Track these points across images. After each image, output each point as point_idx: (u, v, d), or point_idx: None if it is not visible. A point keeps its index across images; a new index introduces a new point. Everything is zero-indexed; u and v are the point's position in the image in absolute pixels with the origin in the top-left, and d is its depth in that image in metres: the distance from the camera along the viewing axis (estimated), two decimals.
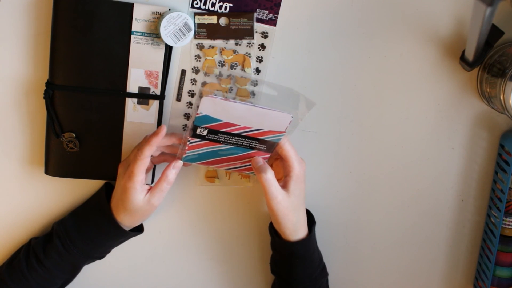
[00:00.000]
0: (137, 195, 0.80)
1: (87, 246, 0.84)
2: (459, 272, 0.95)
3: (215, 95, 0.74)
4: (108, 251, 0.87)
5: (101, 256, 0.87)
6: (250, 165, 0.83)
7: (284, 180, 0.82)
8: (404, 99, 0.88)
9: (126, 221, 0.83)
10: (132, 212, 0.82)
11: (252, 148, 0.81)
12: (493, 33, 0.80)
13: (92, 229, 0.84)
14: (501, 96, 0.79)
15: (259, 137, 0.79)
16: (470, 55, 0.79)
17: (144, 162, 0.79)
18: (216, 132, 0.78)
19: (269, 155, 0.82)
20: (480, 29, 0.68)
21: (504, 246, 0.89)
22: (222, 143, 0.80)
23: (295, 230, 0.83)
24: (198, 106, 0.74)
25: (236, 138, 0.79)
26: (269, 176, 0.79)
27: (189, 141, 0.79)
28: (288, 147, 0.81)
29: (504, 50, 0.83)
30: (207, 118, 0.76)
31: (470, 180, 0.92)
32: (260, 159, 0.82)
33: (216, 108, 0.75)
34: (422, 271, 0.95)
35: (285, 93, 0.84)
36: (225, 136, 0.78)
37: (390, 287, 0.96)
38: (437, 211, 0.93)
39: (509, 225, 0.89)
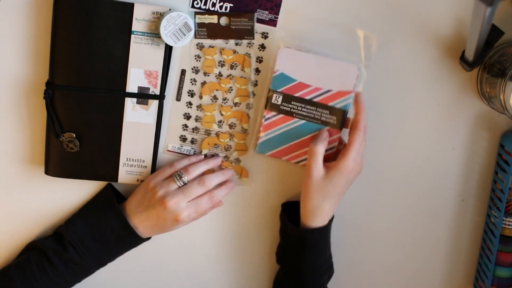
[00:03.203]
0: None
1: (103, 254, 0.85)
2: (459, 272, 0.95)
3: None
4: (121, 254, 0.87)
5: (114, 258, 0.87)
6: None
7: (330, 164, 0.81)
8: (404, 99, 0.88)
9: (145, 232, 0.84)
10: (160, 229, 0.84)
11: (324, 123, 0.83)
12: (493, 33, 0.80)
13: (109, 238, 0.84)
14: (501, 96, 0.79)
15: (329, 103, 0.82)
16: (470, 55, 0.79)
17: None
18: (289, 99, 0.82)
19: (340, 134, 0.84)
20: (480, 29, 0.68)
21: (504, 246, 0.89)
22: (295, 116, 0.83)
23: (312, 214, 0.81)
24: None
25: (308, 107, 0.82)
26: (318, 149, 0.80)
27: (264, 117, 0.83)
28: (357, 136, 0.80)
29: (504, 50, 0.83)
30: (283, 78, 0.83)
31: (470, 180, 0.92)
32: (326, 132, 0.82)
33: (291, 62, 0.82)
34: (422, 271, 0.95)
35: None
36: (298, 105, 0.82)
37: (390, 287, 0.96)
38: (437, 211, 0.93)
39: (509, 225, 0.89)
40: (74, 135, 0.85)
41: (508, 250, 0.90)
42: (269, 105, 0.85)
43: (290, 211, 0.87)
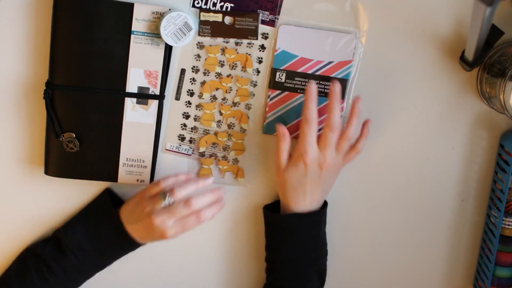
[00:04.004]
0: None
1: (102, 258, 0.85)
2: (459, 272, 0.95)
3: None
4: (118, 259, 0.88)
5: (111, 262, 0.88)
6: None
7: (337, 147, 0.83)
8: (404, 99, 0.88)
9: (139, 239, 0.84)
10: (151, 240, 0.84)
11: (328, 95, 0.84)
12: (493, 33, 0.80)
13: (107, 244, 0.84)
14: (501, 96, 0.79)
15: (331, 75, 0.85)
16: (470, 55, 0.79)
17: None
18: (293, 76, 0.85)
19: (344, 103, 0.86)
20: (480, 29, 0.68)
21: (504, 246, 0.89)
22: (299, 92, 0.85)
23: (303, 199, 0.84)
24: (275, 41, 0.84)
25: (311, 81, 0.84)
26: (283, 146, 0.82)
27: (269, 96, 0.85)
28: (364, 139, 0.85)
29: (504, 50, 0.83)
30: (284, 56, 0.85)
31: (470, 180, 0.92)
32: (285, 129, 0.83)
33: (291, 39, 0.84)
34: (422, 271, 0.95)
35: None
36: (301, 80, 0.84)
37: (390, 287, 0.96)
38: (437, 211, 0.93)
39: (509, 225, 0.89)
40: (74, 135, 0.85)
41: (508, 250, 0.90)
42: (273, 83, 0.86)
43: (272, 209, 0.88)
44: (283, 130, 0.83)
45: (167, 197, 0.80)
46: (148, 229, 0.81)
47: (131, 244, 0.84)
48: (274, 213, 0.86)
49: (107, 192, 0.88)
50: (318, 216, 0.85)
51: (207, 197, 0.81)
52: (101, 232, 0.84)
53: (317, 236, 0.86)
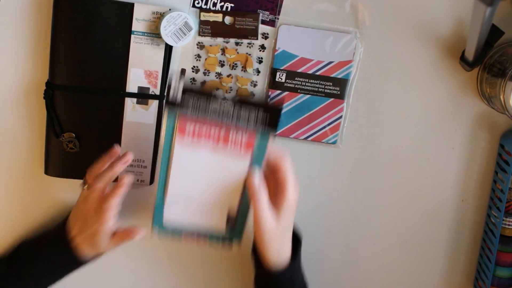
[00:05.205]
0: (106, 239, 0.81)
1: (45, 273, 0.85)
2: (459, 272, 0.95)
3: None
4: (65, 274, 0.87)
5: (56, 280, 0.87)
6: (324, 129, 0.86)
7: (275, 203, 0.76)
8: (404, 99, 0.88)
9: (90, 254, 0.83)
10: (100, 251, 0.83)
11: (328, 95, 0.84)
12: (493, 33, 0.80)
13: (50, 267, 0.84)
14: (501, 96, 0.79)
15: (332, 75, 0.85)
16: (470, 55, 0.79)
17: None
18: (293, 76, 0.85)
19: (344, 104, 0.86)
20: (480, 29, 0.68)
21: (504, 246, 0.90)
22: (300, 92, 0.84)
23: (278, 258, 0.78)
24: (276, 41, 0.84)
25: (312, 81, 0.84)
26: (262, 202, 0.74)
27: (269, 96, 0.85)
28: (287, 173, 0.75)
29: (504, 50, 0.83)
30: (284, 56, 0.85)
31: (470, 180, 0.92)
32: (257, 178, 0.75)
33: (291, 39, 0.84)
34: (422, 271, 0.95)
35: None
36: (302, 80, 0.84)
37: (390, 287, 0.96)
38: (437, 211, 0.93)
39: (509, 225, 0.89)
40: (74, 135, 0.85)
41: (508, 250, 0.90)
42: (273, 83, 0.86)
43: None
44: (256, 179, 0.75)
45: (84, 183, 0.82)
46: (85, 219, 0.81)
47: (79, 263, 0.84)
48: (263, 269, 0.80)
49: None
50: (300, 255, 0.83)
51: (106, 174, 0.80)
52: (47, 248, 0.84)
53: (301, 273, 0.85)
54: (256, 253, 0.81)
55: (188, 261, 0.94)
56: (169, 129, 0.73)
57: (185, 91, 0.71)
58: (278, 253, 0.78)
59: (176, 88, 0.71)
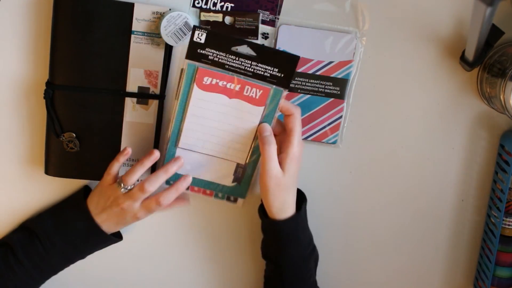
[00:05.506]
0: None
1: (69, 250, 0.84)
2: (459, 272, 0.95)
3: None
4: (89, 253, 0.87)
5: (82, 257, 0.87)
6: (324, 129, 0.87)
7: (280, 157, 0.80)
8: (404, 99, 0.89)
9: (109, 229, 0.84)
10: (124, 225, 0.84)
11: (328, 95, 0.85)
12: (493, 33, 0.80)
13: (75, 236, 0.84)
14: (501, 96, 0.79)
15: (332, 75, 0.85)
16: (470, 55, 0.79)
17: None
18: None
19: (344, 103, 0.86)
20: (480, 29, 0.68)
21: (504, 246, 0.90)
22: (300, 92, 0.85)
23: (282, 209, 0.82)
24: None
25: (312, 81, 0.84)
26: (272, 149, 0.79)
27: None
28: (296, 121, 0.80)
29: (504, 50, 0.83)
30: None
31: (470, 180, 0.92)
32: (268, 128, 0.81)
33: (291, 39, 0.84)
34: (422, 271, 0.95)
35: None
36: (302, 80, 0.84)
37: (390, 287, 0.96)
38: (437, 211, 0.93)
39: (509, 225, 0.89)
40: (74, 135, 0.85)
41: (508, 250, 0.90)
42: None
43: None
44: (267, 130, 0.81)
45: (121, 184, 0.81)
46: (119, 214, 0.82)
47: (99, 236, 0.84)
48: (268, 218, 0.84)
49: (84, 188, 0.88)
50: (305, 212, 0.86)
51: (160, 177, 0.81)
52: (69, 222, 0.84)
53: (307, 227, 0.87)
54: (263, 208, 0.84)
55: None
56: (189, 76, 0.78)
57: (208, 33, 0.76)
58: (282, 203, 0.81)
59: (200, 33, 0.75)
